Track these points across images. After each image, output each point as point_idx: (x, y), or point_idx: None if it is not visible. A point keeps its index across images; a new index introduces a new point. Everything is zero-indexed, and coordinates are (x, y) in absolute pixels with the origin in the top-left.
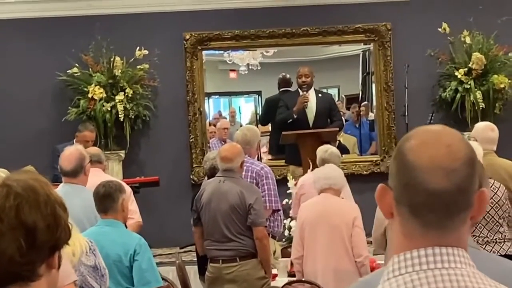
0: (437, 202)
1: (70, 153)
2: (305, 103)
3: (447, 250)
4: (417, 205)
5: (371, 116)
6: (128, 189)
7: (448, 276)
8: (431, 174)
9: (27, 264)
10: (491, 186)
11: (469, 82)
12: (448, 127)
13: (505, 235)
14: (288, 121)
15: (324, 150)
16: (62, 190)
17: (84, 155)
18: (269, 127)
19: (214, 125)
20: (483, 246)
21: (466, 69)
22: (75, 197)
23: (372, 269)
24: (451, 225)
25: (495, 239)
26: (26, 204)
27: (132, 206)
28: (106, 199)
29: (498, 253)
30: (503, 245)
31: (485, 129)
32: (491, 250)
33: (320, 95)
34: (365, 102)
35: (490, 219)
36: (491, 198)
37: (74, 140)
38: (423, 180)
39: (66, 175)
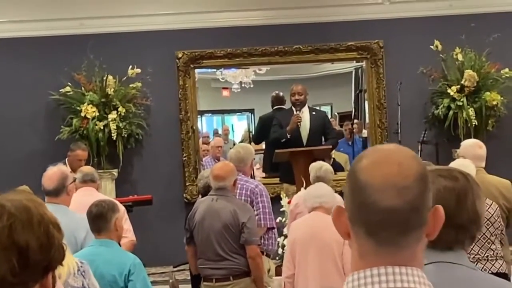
0: (390, 220)
1: (53, 173)
2: (298, 123)
3: (400, 269)
4: (371, 224)
5: (364, 133)
6: (121, 207)
7: None
8: (383, 192)
9: (19, 284)
10: None
11: (461, 99)
12: (401, 146)
13: (497, 253)
14: (282, 141)
15: (319, 167)
16: None
17: (66, 175)
18: (262, 145)
19: (207, 144)
20: (475, 264)
21: (458, 86)
22: (58, 217)
23: None
24: (404, 243)
25: (487, 256)
26: (19, 224)
27: (126, 224)
28: (99, 219)
29: (490, 271)
30: (495, 263)
31: (473, 146)
32: (483, 267)
33: (314, 112)
34: (356, 120)
35: (482, 236)
36: None
37: (66, 160)
38: (375, 199)
39: (48, 195)
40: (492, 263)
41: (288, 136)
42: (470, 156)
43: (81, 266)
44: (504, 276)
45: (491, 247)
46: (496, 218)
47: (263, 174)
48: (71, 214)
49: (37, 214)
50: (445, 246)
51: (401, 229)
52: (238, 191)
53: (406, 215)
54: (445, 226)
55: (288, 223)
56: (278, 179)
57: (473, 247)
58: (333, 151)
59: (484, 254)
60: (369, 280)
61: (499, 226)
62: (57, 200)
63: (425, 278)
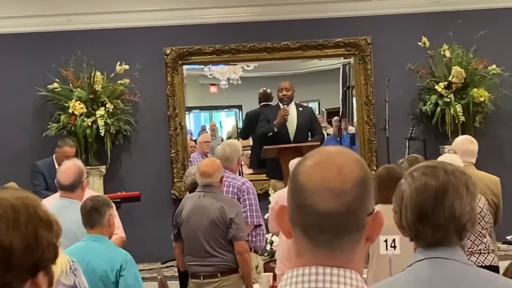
0: (326, 223)
1: (68, 168)
2: (286, 116)
3: (332, 270)
4: (308, 226)
5: (351, 130)
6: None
7: None
8: (320, 195)
9: (3, 286)
10: None
11: (449, 96)
12: (346, 148)
13: (488, 245)
14: (269, 135)
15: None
16: (58, 204)
17: (82, 170)
18: (250, 141)
19: (195, 140)
20: (468, 257)
21: (446, 82)
22: (71, 211)
23: None
24: (340, 246)
25: (479, 249)
26: (4, 224)
27: (116, 221)
28: (93, 214)
29: (483, 264)
30: (487, 256)
31: (464, 141)
32: (476, 260)
33: (300, 109)
34: (343, 118)
35: None
36: None
37: (54, 156)
38: (312, 201)
39: (63, 189)
40: (485, 256)
41: (276, 130)
42: (460, 151)
43: (72, 265)
44: (496, 269)
45: (483, 241)
46: (486, 212)
47: (250, 171)
48: None
49: (25, 213)
50: (426, 245)
51: (337, 233)
52: (225, 188)
53: (342, 219)
54: (423, 225)
55: (269, 220)
56: (265, 175)
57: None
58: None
59: (477, 248)
60: (300, 279)
61: (489, 220)
62: (72, 195)
63: (362, 282)
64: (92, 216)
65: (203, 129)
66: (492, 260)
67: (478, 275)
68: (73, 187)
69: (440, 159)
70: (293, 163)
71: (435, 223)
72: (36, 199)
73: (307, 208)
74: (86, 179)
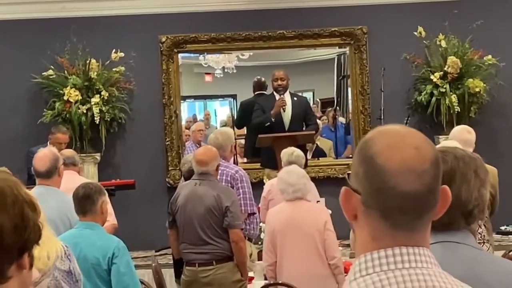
0: (409, 204)
1: (44, 154)
2: (283, 106)
3: (414, 250)
4: (389, 208)
5: (342, 120)
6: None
7: (416, 276)
8: (403, 177)
9: None
10: None
11: (444, 86)
12: (410, 128)
13: (483, 235)
14: (266, 125)
15: (290, 152)
16: (36, 191)
17: (57, 156)
18: (244, 130)
19: (188, 128)
20: None
21: (441, 72)
22: (49, 199)
23: (346, 272)
24: (419, 226)
25: None
26: None
27: (108, 208)
28: (85, 201)
29: None
30: (482, 245)
31: (462, 131)
32: None
33: (295, 98)
34: (337, 107)
35: None
36: None
37: (48, 143)
38: (395, 183)
39: (39, 177)
40: (480, 246)
41: (273, 120)
42: (457, 140)
43: (66, 250)
44: None
45: (478, 231)
46: None
47: (244, 159)
48: (62, 195)
49: (11, 195)
50: (433, 228)
51: (418, 213)
52: (218, 177)
53: (424, 199)
54: None
55: (261, 209)
56: (259, 164)
57: None
58: (318, 137)
59: None
60: (384, 261)
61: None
62: (49, 182)
63: (434, 258)
64: (84, 203)
65: (195, 119)
66: (487, 251)
67: (491, 260)
68: (49, 174)
69: (439, 146)
70: (285, 152)
71: None
72: (17, 181)
73: (390, 190)
74: (62, 165)
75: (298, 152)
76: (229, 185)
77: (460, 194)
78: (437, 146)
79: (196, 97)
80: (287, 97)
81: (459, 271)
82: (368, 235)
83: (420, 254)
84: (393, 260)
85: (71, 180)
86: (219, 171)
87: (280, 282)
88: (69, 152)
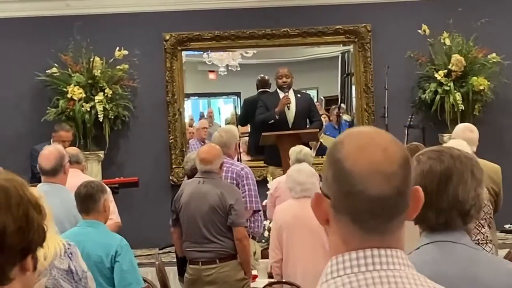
0: (379, 207)
1: (49, 152)
2: (288, 104)
3: (386, 251)
4: (359, 212)
5: (347, 117)
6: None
7: (386, 278)
8: (371, 180)
9: None
10: None
11: (448, 84)
12: (378, 128)
13: (487, 236)
14: (270, 122)
15: (298, 150)
16: (41, 189)
17: (63, 154)
18: (248, 128)
19: (191, 126)
20: None
21: (445, 70)
22: (54, 197)
23: None
24: (390, 229)
25: (478, 239)
26: None
27: (111, 206)
28: (87, 200)
29: None
30: (485, 246)
31: (464, 130)
32: None
33: (299, 95)
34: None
35: None
36: None
37: (51, 140)
38: (364, 187)
39: (45, 174)
40: (483, 246)
41: (277, 117)
42: (460, 139)
43: (68, 248)
44: None
45: (481, 231)
46: (486, 202)
47: (248, 157)
48: (67, 193)
49: (16, 195)
50: (430, 229)
51: (388, 216)
52: (223, 174)
53: (394, 202)
54: (427, 209)
55: (268, 206)
56: (263, 161)
57: None
58: (322, 134)
59: (475, 238)
60: (355, 263)
61: (488, 210)
62: (55, 180)
63: (407, 260)
64: (87, 202)
65: (202, 116)
66: (489, 251)
67: (488, 259)
68: (55, 172)
69: (447, 145)
70: (293, 150)
71: (438, 207)
72: (23, 182)
73: (359, 194)
74: (68, 163)
75: (306, 150)
76: (235, 182)
77: (457, 194)
78: (444, 145)
79: (200, 95)
80: (290, 94)
81: (456, 271)
82: (339, 239)
83: (393, 256)
84: (364, 262)
85: (75, 178)
86: (225, 169)
87: (283, 280)
88: (73, 150)
